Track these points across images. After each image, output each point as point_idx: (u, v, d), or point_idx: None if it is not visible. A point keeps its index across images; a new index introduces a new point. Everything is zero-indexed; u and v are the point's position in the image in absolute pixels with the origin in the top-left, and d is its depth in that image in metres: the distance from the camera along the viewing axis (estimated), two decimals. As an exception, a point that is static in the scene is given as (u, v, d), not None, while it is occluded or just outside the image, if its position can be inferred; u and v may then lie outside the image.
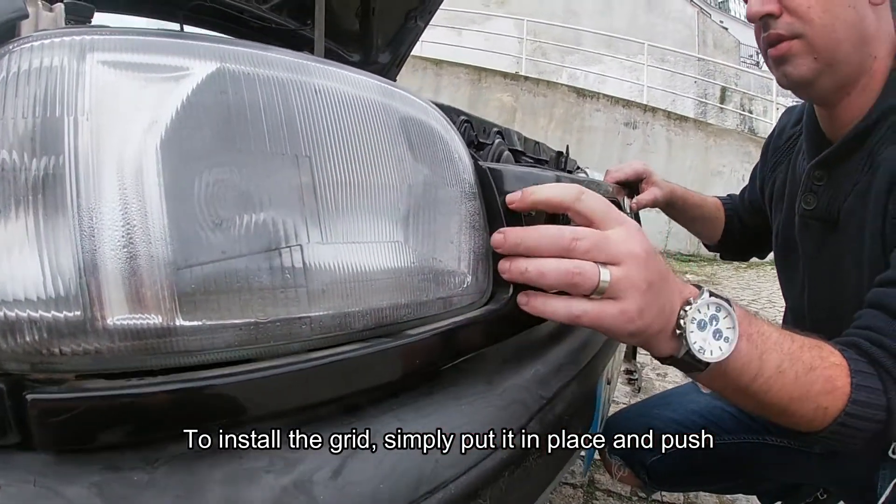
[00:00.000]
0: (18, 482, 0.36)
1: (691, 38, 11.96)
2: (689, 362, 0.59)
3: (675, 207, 1.34)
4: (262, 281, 0.42)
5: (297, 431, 0.43)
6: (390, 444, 0.45)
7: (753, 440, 1.21)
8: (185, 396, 0.39)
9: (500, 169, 0.62)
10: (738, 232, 1.41)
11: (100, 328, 0.37)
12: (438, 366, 0.53)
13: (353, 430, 0.45)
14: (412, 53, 2.51)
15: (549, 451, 0.59)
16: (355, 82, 0.51)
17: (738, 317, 0.60)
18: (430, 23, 2.40)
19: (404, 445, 0.45)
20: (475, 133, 0.88)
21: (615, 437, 1.23)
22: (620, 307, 0.53)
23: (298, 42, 2.11)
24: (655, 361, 2.41)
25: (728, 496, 1.75)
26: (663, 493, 1.75)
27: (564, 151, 1.30)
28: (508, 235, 0.54)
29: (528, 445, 0.55)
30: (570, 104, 8.90)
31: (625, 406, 1.53)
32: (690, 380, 1.15)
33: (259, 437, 0.42)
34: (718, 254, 1.55)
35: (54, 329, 0.37)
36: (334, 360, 0.45)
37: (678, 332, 0.58)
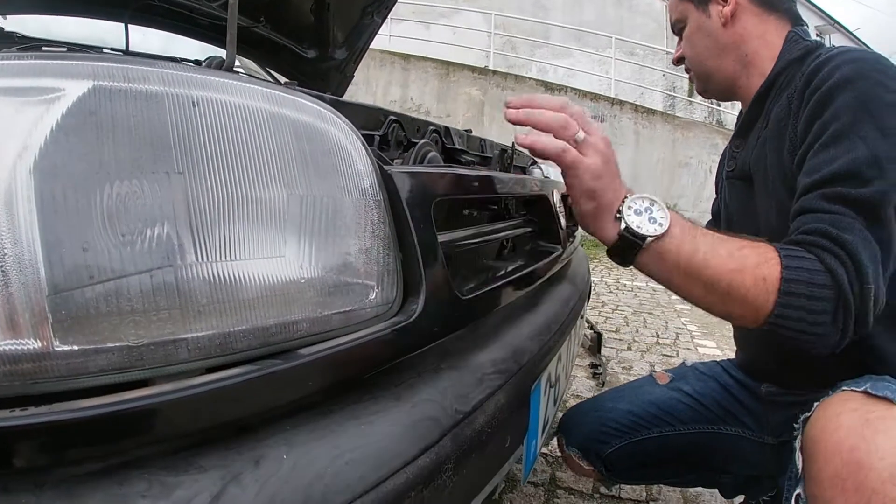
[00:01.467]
0: None
1: (659, 31, 12.04)
2: (630, 240, 0.76)
3: None
4: (133, 304, 0.41)
5: (179, 456, 0.42)
6: (274, 469, 0.42)
7: (708, 430, 1.22)
8: (62, 426, 0.38)
9: (407, 172, 0.59)
10: None
11: None
12: (339, 385, 0.50)
13: (238, 455, 0.43)
14: (380, 48, 2.49)
15: (466, 469, 0.56)
16: (240, 91, 0.48)
17: (670, 213, 0.77)
18: (398, 17, 2.38)
19: (290, 471, 0.43)
20: (405, 133, 0.85)
21: (570, 432, 1.30)
22: (590, 160, 0.75)
23: (252, 39, 2.06)
24: (621, 354, 2.40)
25: (691, 491, 1.75)
26: (623, 486, 1.75)
27: (510, 148, 1.27)
28: (516, 101, 0.76)
29: (440, 464, 0.52)
30: (539, 97, 8.87)
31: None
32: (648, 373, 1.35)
33: (140, 462, 0.41)
34: None
35: None
36: (214, 387, 0.42)
37: (618, 215, 0.77)
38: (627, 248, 0.77)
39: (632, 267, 0.80)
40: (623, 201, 0.76)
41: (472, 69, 9.34)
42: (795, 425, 0.85)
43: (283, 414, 0.47)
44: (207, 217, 0.43)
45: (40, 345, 0.38)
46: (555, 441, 2.03)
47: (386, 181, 0.58)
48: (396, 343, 0.55)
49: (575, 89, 8.96)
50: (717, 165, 1.32)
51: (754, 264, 0.74)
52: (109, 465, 0.40)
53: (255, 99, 0.48)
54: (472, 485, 0.61)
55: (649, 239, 0.75)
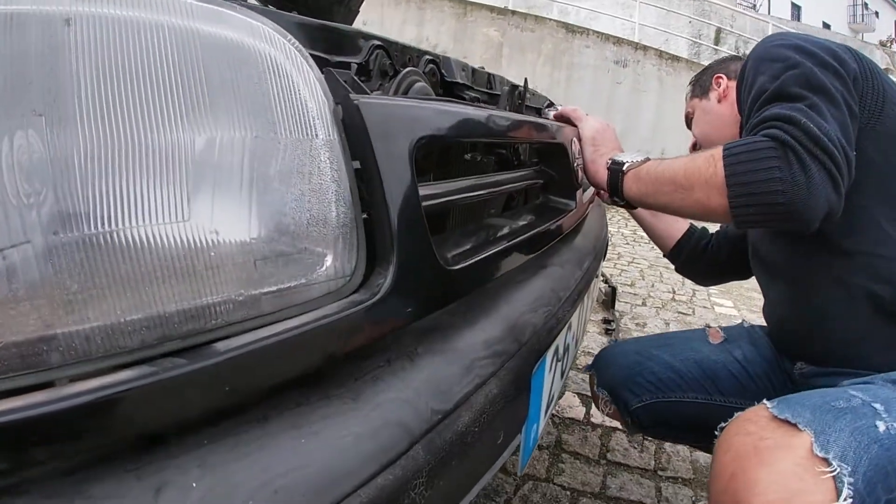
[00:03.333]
0: None
1: (687, -25, 11.52)
2: (614, 169, 0.98)
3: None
4: None
5: (67, 481, 0.32)
6: (179, 502, 0.31)
7: (744, 406, 1.13)
8: None
9: (379, 104, 0.45)
10: (694, 243, 1.44)
11: None
12: (276, 384, 0.38)
13: (136, 481, 0.32)
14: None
15: (443, 480, 0.45)
16: (134, 3, 0.34)
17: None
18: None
19: (199, 502, 0.31)
20: (391, 62, 0.71)
21: (604, 372, 1.29)
22: (593, 118, 1.10)
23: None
24: (635, 310, 2.30)
25: (701, 461, 1.66)
26: (631, 451, 1.66)
27: (522, 84, 1.12)
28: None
29: (406, 481, 0.41)
30: (559, 40, 8.54)
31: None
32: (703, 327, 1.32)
33: (20, 488, 0.31)
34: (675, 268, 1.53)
35: None
36: (96, 397, 0.31)
37: (609, 161, 1.00)
38: (614, 178, 0.98)
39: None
40: (615, 151, 1.04)
41: (491, 9, 8.95)
42: None
43: (202, 423, 0.35)
44: (78, 172, 0.31)
45: None
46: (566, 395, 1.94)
47: (350, 115, 0.45)
48: (355, 328, 0.43)
49: (597, 32, 8.57)
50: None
51: (705, 154, 0.85)
52: None
53: (155, 11, 0.35)
54: (451, 497, 0.50)
55: (626, 164, 0.97)
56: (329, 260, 0.41)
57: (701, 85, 1.33)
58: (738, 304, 3.32)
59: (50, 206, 0.30)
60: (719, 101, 1.26)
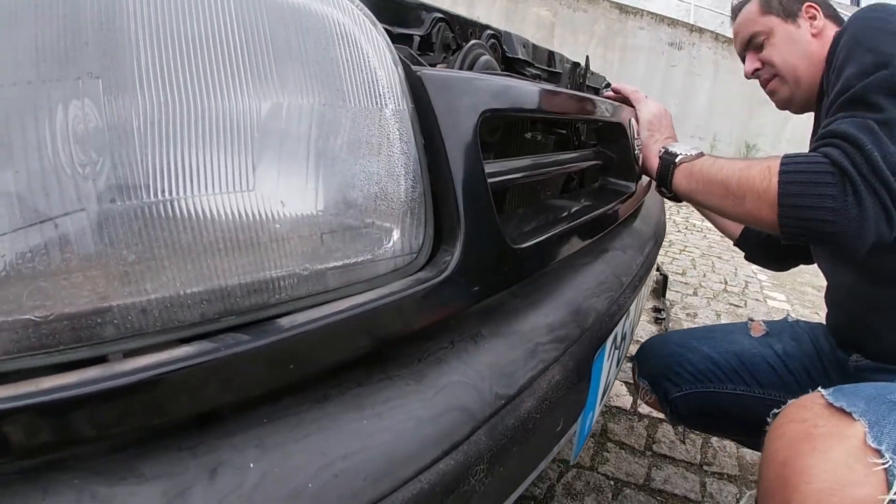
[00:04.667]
0: None
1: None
2: (666, 159, 0.95)
3: None
4: (34, 264, 0.28)
5: (119, 458, 0.31)
6: (233, 484, 0.30)
7: (784, 400, 1.10)
8: None
9: (443, 76, 0.43)
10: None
11: None
12: (339, 362, 0.37)
13: (192, 460, 0.31)
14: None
15: (503, 467, 0.43)
16: None
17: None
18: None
19: (254, 487, 0.31)
20: (454, 36, 0.68)
21: (645, 362, 1.29)
22: (651, 101, 1.04)
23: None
24: (686, 300, 2.24)
25: (748, 459, 1.61)
26: (677, 446, 1.62)
27: (584, 63, 1.08)
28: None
29: (468, 467, 0.39)
30: (612, 21, 8.33)
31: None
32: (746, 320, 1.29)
33: (72, 464, 0.30)
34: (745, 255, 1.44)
35: None
36: (154, 373, 0.30)
37: (662, 150, 0.96)
38: (665, 169, 0.95)
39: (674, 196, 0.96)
40: (669, 140, 1.00)
41: (543, -11, 8.79)
42: None
43: (260, 401, 0.34)
44: (137, 139, 0.30)
45: None
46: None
47: (414, 87, 0.43)
48: (422, 306, 0.41)
49: (651, 13, 8.33)
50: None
51: (761, 162, 0.81)
52: (36, 464, 0.30)
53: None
54: (508, 484, 0.48)
55: (680, 156, 0.93)
56: (396, 236, 0.39)
57: (783, 4, 1.15)
58: (791, 298, 3.21)
59: (107, 174, 0.29)
60: (814, 37, 1.11)
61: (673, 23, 8.26)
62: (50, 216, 0.28)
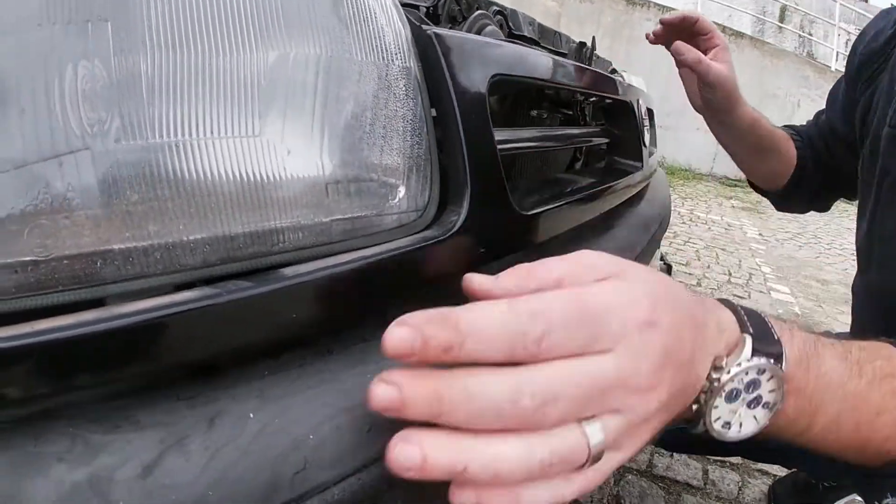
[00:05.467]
0: None
1: (752, -54, 11.00)
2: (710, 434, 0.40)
3: (735, 122, 1.02)
4: (36, 203, 0.28)
5: (114, 405, 0.30)
6: (233, 434, 0.30)
7: None
8: None
9: (455, 37, 0.43)
10: (810, 177, 1.09)
11: None
12: (341, 316, 0.36)
13: (188, 410, 0.31)
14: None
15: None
16: None
17: (790, 367, 0.40)
18: None
19: (254, 437, 0.30)
20: (460, 9, 0.68)
21: None
22: (623, 455, 0.34)
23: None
24: (693, 273, 2.19)
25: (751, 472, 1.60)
26: (677, 467, 1.62)
27: (590, 43, 1.07)
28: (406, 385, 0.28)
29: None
30: (619, 12, 8.28)
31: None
32: None
33: (65, 412, 0.30)
34: (774, 204, 1.22)
35: None
36: (152, 316, 0.29)
37: (695, 406, 0.38)
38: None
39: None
40: (713, 378, 0.38)
41: (549, -21, 8.75)
42: None
43: (262, 354, 0.34)
44: (144, 79, 0.29)
45: None
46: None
47: (425, 46, 0.42)
48: (426, 264, 0.40)
49: (658, 5, 8.29)
50: (810, 101, 1.04)
51: (884, 438, 0.48)
52: (28, 412, 0.29)
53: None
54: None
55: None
56: (401, 192, 0.39)
57: None
58: (795, 290, 3.20)
59: (112, 114, 0.29)
60: None
61: (680, 15, 8.23)
62: (54, 154, 0.28)
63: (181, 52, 0.30)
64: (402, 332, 0.27)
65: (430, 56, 0.42)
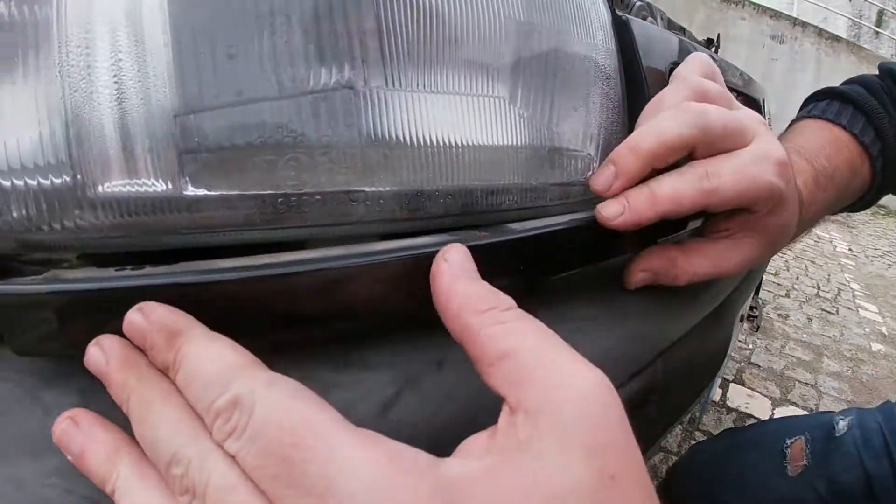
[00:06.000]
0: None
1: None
2: None
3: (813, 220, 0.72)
4: (295, 136, 0.29)
5: (339, 347, 0.32)
6: (458, 375, 0.33)
7: None
8: (193, 293, 0.28)
9: (643, 24, 0.45)
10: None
11: (88, 199, 0.28)
12: (545, 275, 0.39)
13: (416, 353, 0.33)
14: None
15: (671, 398, 0.46)
16: None
17: None
18: None
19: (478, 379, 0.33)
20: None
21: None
22: None
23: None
24: (778, 300, 2.16)
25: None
26: None
27: (716, 40, 1.07)
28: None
29: (648, 393, 0.42)
30: (713, 10, 8.02)
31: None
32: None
33: (287, 349, 0.31)
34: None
35: (40, 200, 0.28)
36: (406, 254, 0.31)
37: None
38: None
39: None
40: None
41: (638, -25, 8.55)
42: None
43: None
44: (405, 27, 0.31)
45: (164, 187, 0.28)
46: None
47: (620, 30, 0.45)
48: (619, 236, 0.43)
49: (753, 3, 7.97)
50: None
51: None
52: (251, 348, 0.29)
53: None
54: (662, 423, 0.50)
55: None
56: (595, 165, 0.42)
57: None
58: (883, 310, 3.05)
59: (375, 55, 0.30)
60: None
61: (775, 15, 7.89)
62: (320, 88, 0.29)
63: (441, 11, 0.32)
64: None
65: (625, 40, 0.45)
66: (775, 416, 1.77)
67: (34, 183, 0.28)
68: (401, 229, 0.34)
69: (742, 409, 1.76)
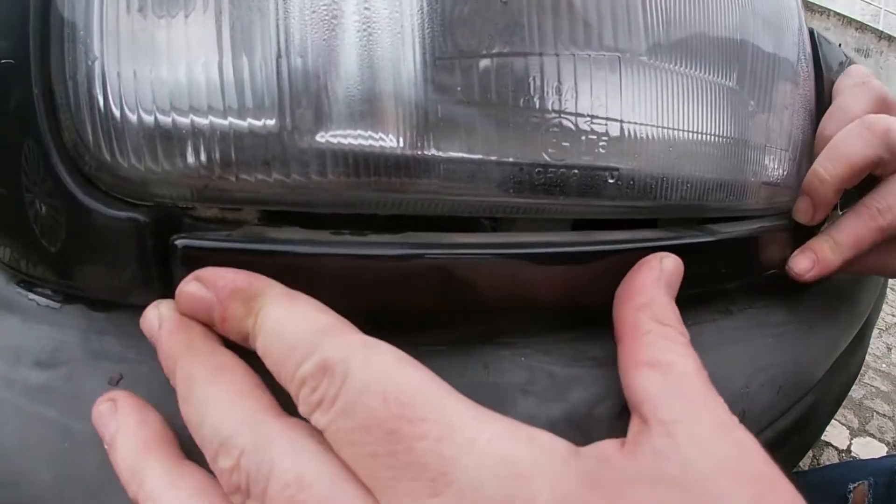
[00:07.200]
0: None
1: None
2: None
3: None
4: (561, 97, 0.26)
5: (560, 338, 0.29)
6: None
7: None
8: (421, 270, 0.25)
9: (818, 34, 0.46)
10: None
11: (299, 149, 0.23)
12: (741, 278, 0.39)
13: None
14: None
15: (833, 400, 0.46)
16: None
17: None
18: None
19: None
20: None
21: None
22: None
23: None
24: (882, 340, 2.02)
25: None
26: None
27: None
28: None
29: (818, 404, 0.42)
30: (794, 20, 7.79)
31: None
32: None
33: (505, 338, 0.28)
34: None
35: (232, 145, 0.23)
36: (636, 246, 0.29)
37: None
38: None
39: None
40: None
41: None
42: None
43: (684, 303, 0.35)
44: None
45: (404, 143, 0.24)
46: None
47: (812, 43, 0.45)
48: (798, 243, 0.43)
49: (838, 14, 7.69)
50: None
51: None
52: (461, 335, 0.27)
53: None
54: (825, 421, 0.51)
55: None
56: (794, 169, 0.41)
57: None
58: None
59: (637, 23, 0.28)
60: None
61: (861, 27, 7.60)
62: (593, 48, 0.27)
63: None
64: None
65: (815, 52, 0.45)
66: (853, 446, 1.72)
67: (225, 123, 0.23)
68: (639, 214, 0.32)
69: (825, 437, 1.72)
